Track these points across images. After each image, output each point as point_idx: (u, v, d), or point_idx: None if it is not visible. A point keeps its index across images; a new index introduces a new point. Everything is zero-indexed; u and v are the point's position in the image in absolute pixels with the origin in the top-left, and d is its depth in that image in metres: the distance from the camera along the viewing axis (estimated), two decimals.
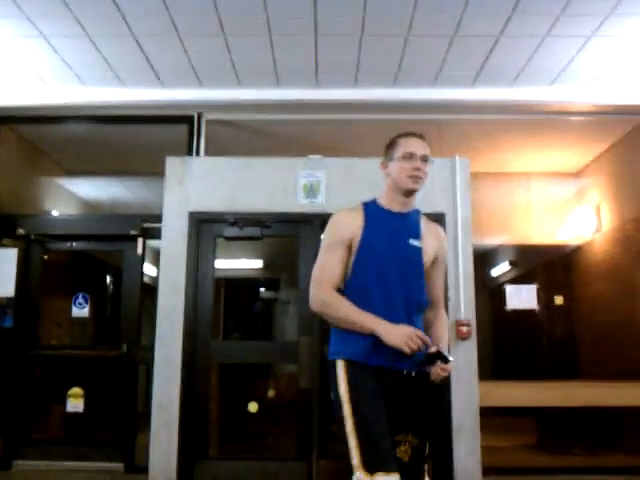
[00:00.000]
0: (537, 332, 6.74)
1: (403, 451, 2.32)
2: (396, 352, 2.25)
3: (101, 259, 6.32)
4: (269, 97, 4.59)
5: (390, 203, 2.47)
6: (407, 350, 2.19)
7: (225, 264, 7.26)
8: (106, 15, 3.70)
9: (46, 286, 5.24)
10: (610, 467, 4.77)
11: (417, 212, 2.54)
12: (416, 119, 4.71)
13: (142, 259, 5.10)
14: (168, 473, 4.28)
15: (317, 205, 4.54)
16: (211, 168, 4.65)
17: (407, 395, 2.37)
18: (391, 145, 2.48)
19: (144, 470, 4.32)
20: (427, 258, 2.45)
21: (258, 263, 8.01)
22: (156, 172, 4.73)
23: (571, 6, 3.56)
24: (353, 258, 2.41)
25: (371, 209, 2.48)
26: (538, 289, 6.01)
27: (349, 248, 2.41)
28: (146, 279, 6.11)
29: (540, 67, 4.24)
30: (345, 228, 2.42)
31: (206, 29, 3.84)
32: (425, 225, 2.52)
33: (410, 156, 2.40)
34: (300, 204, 4.56)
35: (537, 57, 4.12)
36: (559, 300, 6.67)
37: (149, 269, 6.16)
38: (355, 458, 2.18)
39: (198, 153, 4.94)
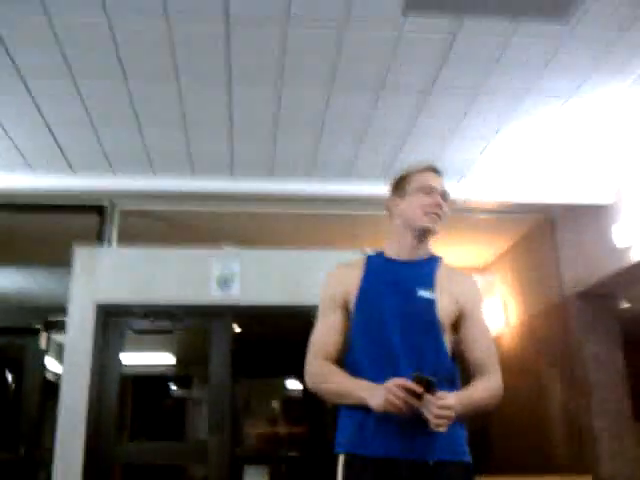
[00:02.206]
0: None
1: None
2: (413, 432, 1.77)
3: (1, 354, 5.97)
4: (183, 187, 4.59)
5: (398, 250, 2.05)
6: (392, 409, 1.71)
7: (135, 358, 6.99)
8: (18, 102, 3.65)
9: None
10: None
11: (435, 259, 2.08)
12: (329, 213, 4.81)
13: (45, 354, 4.85)
14: None
15: (231, 297, 4.49)
16: (121, 259, 4.56)
17: None
18: (403, 179, 2.10)
19: None
20: (445, 312, 1.93)
21: (170, 358, 7.75)
22: (65, 262, 4.58)
23: (472, 107, 3.80)
24: (351, 321, 2.00)
25: (373, 260, 2.08)
26: None
27: (346, 310, 2.01)
28: (51, 376, 5.80)
29: (446, 164, 4.46)
30: (337, 286, 2.03)
31: (119, 116, 3.85)
32: (444, 273, 2.03)
33: (430, 190, 2.03)
34: (213, 296, 4.50)
35: (444, 154, 4.34)
36: None
37: (54, 365, 5.85)
38: None
39: (110, 243, 4.84)
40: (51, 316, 4.79)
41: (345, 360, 1.98)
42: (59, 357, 5.11)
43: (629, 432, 5.15)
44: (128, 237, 4.96)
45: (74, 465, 4.10)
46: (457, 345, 1.99)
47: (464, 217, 5.48)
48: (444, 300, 1.94)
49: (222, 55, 3.30)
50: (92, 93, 3.62)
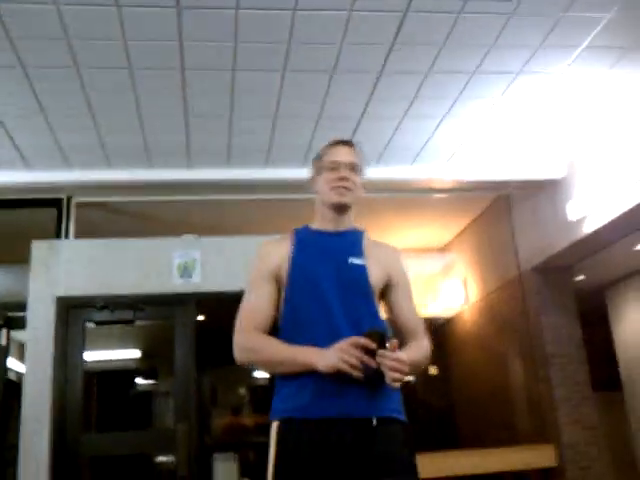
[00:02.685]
0: (415, 403, 6.85)
1: None
2: (354, 391, 1.79)
3: None
4: (141, 178, 4.56)
5: (322, 223, 2.09)
6: (347, 368, 1.71)
7: (102, 355, 6.94)
8: None
9: None
10: None
11: (360, 232, 2.13)
12: (288, 198, 4.84)
13: (6, 351, 4.79)
14: None
15: (192, 284, 4.49)
16: (80, 251, 4.52)
17: (380, 458, 1.77)
18: (317, 158, 2.17)
19: None
20: (376, 279, 1.99)
21: (136, 353, 7.71)
22: (24, 259, 4.51)
23: (423, 89, 3.86)
24: (284, 292, 1.99)
25: (301, 234, 2.10)
26: None
27: (277, 282, 2.01)
28: (13, 375, 5.72)
29: (401, 146, 4.52)
30: (268, 259, 2.04)
31: (73, 108, 3.81)
32: (370, 243, 2.10)
33: (333, 166, 2.06)
34: (175, 284, 4.49)
35: (397, 137, 4.39)
36: (434, 371, 6.88)
37: (15, 365, 5.77)
38: None
39: (67, 237, 4.79)
40: (11, 313, 4.72)
41: (282, 329, 1.97)
42: (20, 356, 5.05)
43: (588, 401, 5.32)
44: (86, 231, 4.91)
45: (41, 460, 4.08)
46: (385, 312, 2.05)
47: (421, 198, 5.56)
48: (373, 267, 2.00)
49: (176, 41, 3.29)
50: (45, 84, 3.57)
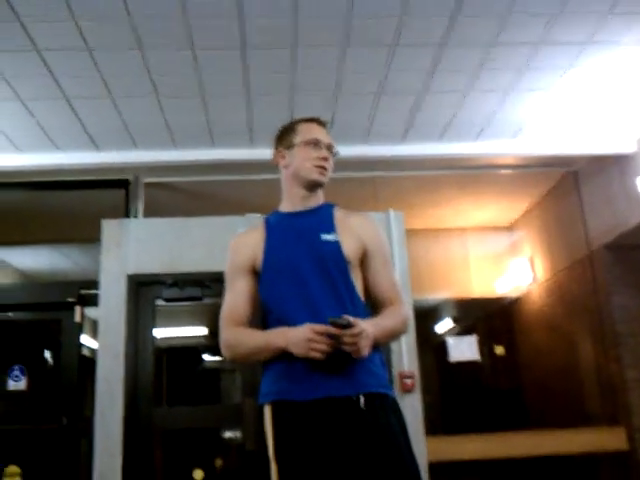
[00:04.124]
0: (484, 384, 6.79)
1: None
2: (337, 371, 1.81)
3: (38, 329, 6.14)
4: (205, 158, 4.63)
5: (291, 203, 2.08)
6: (317, 355, 1.75)
7: (171, 332, 7.14)
8: (38, 78, 3.71)
9: None
10: None
11: (329, 206, 2.11)
12: (350, 176, 4.83)
13: (80, 327, 4.96)
14: None
15: None
16: (148, 230, 4.64)
17: (367, 434, 1.78)
18: (288, 131, 2.12)
19: None
20: (350, 252, 1.97)
21: (204, 330, 7.90)
22: (95, 238, 4.67)
23: (487, 61, 3.77)
24: (262, 281, 1.99)
25: (271, 220, 2.11)
26: (481, 342, 6.10)
27: (254, 273, 2.02)
28: (87, 352, 5.94)
29: (465, 122, 4.43)
30: (241, 252, 2.06)
31: (139, 91, 3.90)
32: (342, 217, 2.06)
33: (316, 143, 2.04)
34: None
35: (461, 112, 4.31)
36: (502, 351, 6.79)
37: (89, 341, 6.00)
38: None
39: (136, 216, 4.92)
40: (84, 291, 4.88)
41: (267, 319, 1.97)
42: (93, 333, 5.24)
43: None
44: (153, 210, 5.04)
45: (114, 433, 4.23)
46: (365, 282, 2.03)
47: (486, 176, 5.46)
48: (347, 240, 1.98)
49: (236, 21, 3.32)
50: (110, 67, 3.67)
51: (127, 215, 4.91)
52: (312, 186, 2.06)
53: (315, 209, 2.07)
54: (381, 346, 1.97)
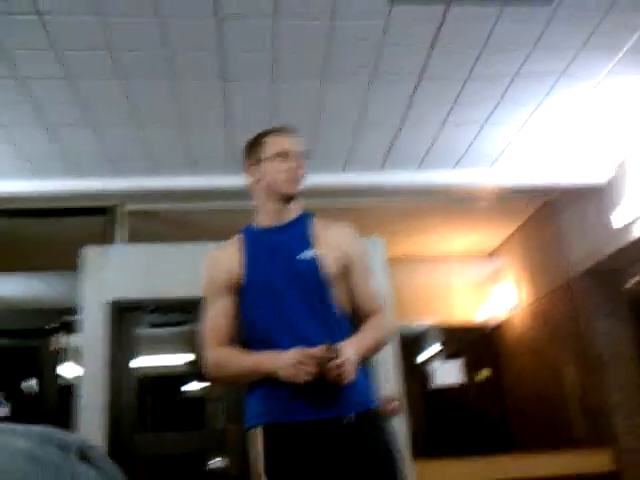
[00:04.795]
0: (469, 409, 6.80)
1: None
2: (325, 392, 1.79)
3: (20, 356, 6.11)
4: (187, 185, 4.66)
5: (266, 217, 2.03)
6: (305, 378, 1.74)
7: (153, 360, 7.10)
8: (17, 104, 3.73)
9: None
10: None
11: (305, 216, 2.06)
12: (328, 206, 4.86)
13: (57, 355, 4.96)
14: None
15: None
16: (129, 256, 4.66)
17: (357, 456, 1.79)
18: (255, 145, 2.08)
19: None
20: (331, 266, 1.93)
21: (189, 357, 7.84)
22: (76, 265, 4.67)
23: (463, 96, 3.85)
24: (240, 300, 1.97)
25: (247, 236, 2.05)
26: (466, 367, 6.12)
27: (231, 291, 1.97)
28: (69, 379, 5.91)
29: (442, 152, 4.51)
30: (218, 270, 2.00)
31: (119, 118, 3.93)
32: (319, 229, 2.01)
33: (285, 155, 2.00)
34: None
35: (438, 143, 4.39)
36: (486, 375, 6.82)
37: (74, 368, 5.97)
38: None
39: (117, 243, 4.92)
40: (66, 317, 4.89)
41: (246, 338, 1.95)
42: (75, 359, 5.23)
43: None
44: (134, 237, 5.04)
45: None
46: (349, 298, 2.00)
47: (467, 203, 5.53)
48: (326, 253, 1.94)
49: (215, 51, 3.38)
50: (91, 94, 3.71)
51: (108, 242, 4.91)
52: (287, 199, 2.01)
53: (291, 223, 2.02)
54: (368, 358, 1.97)
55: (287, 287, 1.90)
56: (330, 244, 1.97)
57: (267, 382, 1.85)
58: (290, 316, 1.89)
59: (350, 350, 1.79)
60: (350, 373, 1.76)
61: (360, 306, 2.00)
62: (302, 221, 2.04)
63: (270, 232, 2.01)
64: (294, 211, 2.04)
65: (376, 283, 2.12)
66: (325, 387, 1.79)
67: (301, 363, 1.74)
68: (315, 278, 1.91)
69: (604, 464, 5.03)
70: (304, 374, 1.73)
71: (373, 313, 1.99)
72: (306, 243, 1.97)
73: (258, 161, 2.04)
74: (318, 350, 1.74)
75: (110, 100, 3.77)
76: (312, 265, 1.92)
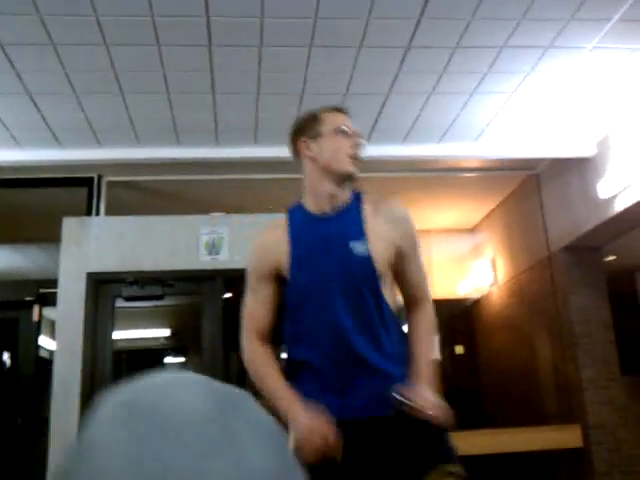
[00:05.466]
0: (444, 384, 6.85)
1: None
2: (360, 392, 1.74)
3: None
4: (169, 156, 4.58)
5: (318, 202, 1.88)
6: (312, 455, 1.59)
7: (132, 334, 7.06)
8: (1, 76, 3.63)
9: None
10: None
11: (357, 200, 1.91)
12: None
13: (39, 327, 4.90)
14: None
15: (220, 262, 4.54)
16: (110, 228, 4.59)
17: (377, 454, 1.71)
18: (312, 120, 1.92)
19: None
20: (382, 260, 1.81)
21: (166, 332, 7.84)
22: (55, 237, 4.59)
23: (451, 64, 3.81)
24: (287, 289, 1.86)
25: (296, 219, 1.91)
26: (442, 343, 6.16)
27: (276, 279, 1.87)
28: (45, 352, 5.84)
29: (427, 124, 4.47)
30: (265, 256, 1.88)
31: (102, 87, 3.84)
32: (371, 213, 1.87)
33: (346, 131, 1.87)
34: (202, 261, 4.54)
35: (424, 115, 4.35)
36: (461, 350, 6.87)
37: (48, 342, 5.89)
38: None
39: (98, 214, 4.85)
40: (43, 289, 4.81)
41: (286, 332, 1.87)
42: (52, 334, 5.15)
43: (616, 383, 5.25)
44: (116, 209, 4.97)
45: (70, 433, 4.16)
46: (396, 280, 1.92)
47: (449, 178, 5.52)
48: (379, 247, 1.81)
49: (203, 18, 3.30)
50: (73, 63, 3.60)
51: (89, 213, 4.84)
52: (344, 179, 1.86)
53: (344, 210, 1.87)
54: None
55: (339, 289, 1.78)
56: (381, 233, 1.84)
57: (299, 384, 1.78)
58: (338, 322, 1.77)
59: (427, 394, 1.74)
60: (441, 417, 1.72)
61: (406, 290, 1.93)
62: (356, 207, 1.89)
63: (323, 221, 1.87)
64: (347, 194, 1.89)
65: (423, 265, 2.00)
66: (360, 387, 1.74)
67: (311, 440, 1.61)
68: (370, 277, 1.79)
69: (573, 440, 5.11)
70: (309, 448, 1.60)
71: (418, 300, 1.92)
72: (360, 233, 1.82)
73: (315, 136, 1.88)
74: (331, 431, 1.63)
75: (92, 69, 3.67)
76: (367, 262, 1.79)
